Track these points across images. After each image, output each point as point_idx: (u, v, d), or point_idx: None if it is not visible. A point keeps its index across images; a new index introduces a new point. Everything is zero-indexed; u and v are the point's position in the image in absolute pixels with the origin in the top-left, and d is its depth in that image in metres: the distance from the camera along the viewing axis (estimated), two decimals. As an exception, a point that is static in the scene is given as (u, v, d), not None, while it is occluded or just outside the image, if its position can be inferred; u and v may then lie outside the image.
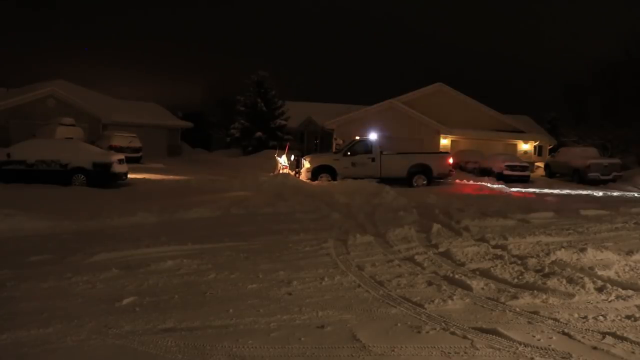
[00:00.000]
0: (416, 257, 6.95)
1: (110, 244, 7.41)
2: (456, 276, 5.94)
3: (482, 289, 5.50)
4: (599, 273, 5.99)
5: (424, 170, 19.25)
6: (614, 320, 4.55)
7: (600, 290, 5.35)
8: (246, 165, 25.85)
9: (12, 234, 8.16)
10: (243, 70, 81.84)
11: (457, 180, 20.50)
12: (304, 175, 19.45)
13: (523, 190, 18.30)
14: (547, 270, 6.14)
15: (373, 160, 19.12)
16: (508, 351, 3.87)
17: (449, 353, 3.84)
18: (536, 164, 28.48)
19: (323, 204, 12.49)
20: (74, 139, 19.95)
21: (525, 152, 29.26)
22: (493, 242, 7.88)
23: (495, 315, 4.71)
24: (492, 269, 6.26)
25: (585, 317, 4.63)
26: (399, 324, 4.43)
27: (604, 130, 31.94)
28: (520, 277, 5.89)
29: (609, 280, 5.77)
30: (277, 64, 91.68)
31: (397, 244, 7.87)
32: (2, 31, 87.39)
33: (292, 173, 20.17)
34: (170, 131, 32.49)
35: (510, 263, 6.55)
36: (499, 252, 7.21)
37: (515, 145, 29.53)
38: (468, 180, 20.99)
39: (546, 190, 18.43)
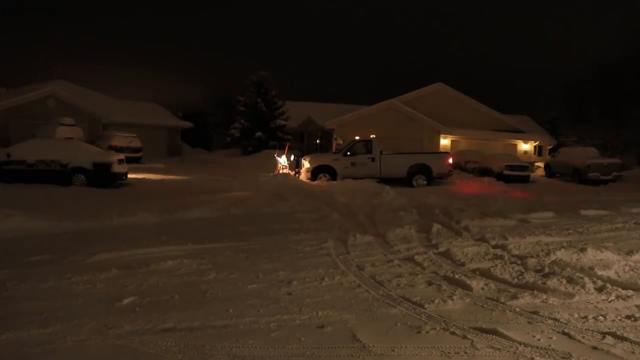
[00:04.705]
0: (416, 257, 6.95)
1: (110, 244, 7.41)
2: (456, 276, 5.94)
3: (482, 289, 5.51)
4: (599, 273, 5.99)
5: (424, 170, 19.27)
6: (614, 320, 4.55)
7: (600, 290, 5.35)
8: (246, 165, 25.84)
9: (12, 234, 8.16)
10: (243, 70, 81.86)
11: (457, 181, 20.49)
12: (303, 175, 19.47)
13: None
14: (547, 270, 6.14)
15: (373, 160, 19.15)
16: (508, 351, 3.87)
17: (449, 353, 3.84)
18: (536, 164, 28.47)
19: (323, 204, 12.49)
20: (73, 139, 19.94)
21: (525, 152, 29.25)
22: (493, 242, 7.88)
23: (495, 315, 4.71)
24: (492, 269, 6.26)
25: (585, 317, 4.63)
26: (399, 324, 4.43)
27: (604, 130, 31.95)
28: (520, 277, 5.89)
29: (609, 280, 5.77)
30: (277, 64, 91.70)
31: (397, 244, 7.87)
32: (2, 31, 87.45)
33: (292, 173, 20.18)
34: (170, 131, 32.47)
35: (510, 263, 6.55)
36: (499, 252, 7.21)
37: (515, 145, 29.53)
38: (469, 181, 20.99)
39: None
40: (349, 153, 19.48)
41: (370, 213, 11.32)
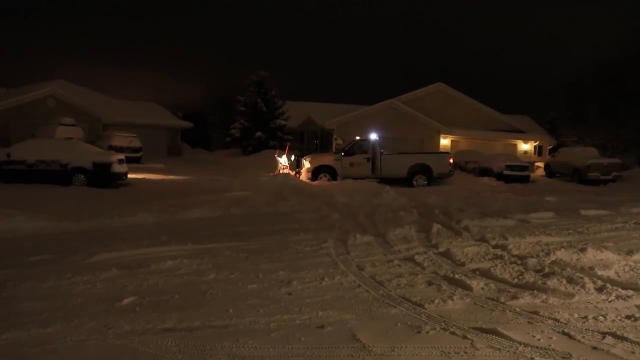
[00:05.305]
0: (416, 257, 6.95)
1: (110, 244, 7.41)
2: (456, 276, 5.94)
3: (482, 289, 5.50)
4: (599, 273, 5.99)
5: (424, 170, 19.29)
6: (614, 320, 4.55)
7: (600, 290, 5.34)
8: (246, 165, 25.85)
9: (12, 234, 8.17)
10: (243, 70, 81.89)
11: (457, 181, 20.49)
12: (304, 175, 19.47)
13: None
14: (547, 270, 6.14)
15: (368, 160, 19.16)
16: (508, 351, 3.87)
17: (449, 353, 3.84)
18: (536, 164, 28.47)
19: (323, 204, 12.49)
20: (73, 139, 19.95)
21: (525, 152, 29.26)
22: (493, 242, 7.87)
23: (495, 315, 4.71)
24: (492, 269, 6.26)
25: (585, 317, 4.63)
26: (399, 324, 4.43)
27: (604, 130, 31.93)
28: (520, 277, 5.89)
29: (609, 280, 5.77)
30: (277, 64, 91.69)
31: (397, 244, 7.87)
32: (2, 31, 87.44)
33: (292, 173, 20.19)
34: (170, 131, 32.47)
35: (510, 263, 6.55)
36: (499, 252, 7.21)
37: (515, 145, 29.53)
38: (469, 181, 20.97)
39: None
40: (348, 153, 19.52)
41: (371, 213, 11.32)
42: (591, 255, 6.77)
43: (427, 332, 4.23)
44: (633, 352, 3.89)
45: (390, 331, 4.26)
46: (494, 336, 4.12)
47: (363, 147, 19.55)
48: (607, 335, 4.16)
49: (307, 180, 18.92)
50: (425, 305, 4.89)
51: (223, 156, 33.85)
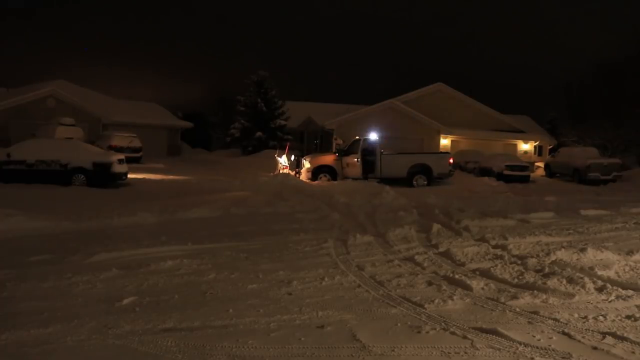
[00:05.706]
0: (416, 257, 6.95)
1: (110, 244, 7.41)
2: (456, 276, 5.94)
3: (482, 289, 5.50)
4: (599, 273, 5.99)
5: (424, 170, 19.29)
6: (614, 320, 4.55)
7: (600, 290, 5.34)
8: (246, 165, 25.86)
9: (12, 234, 8.16)
10: (243, 70, 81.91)
11: (457, 181, 20.50)
12: (304, 175, 19.48)
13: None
14: (547, 270, 6.14)
15: (357, 160, 19.15)
16: (508, 351, 3.87)
17: (449, 353, 3.84)
18: (536, 164, 28.49)
19: (323, 204, 12.49)
20: (73, 139, 19.95)
21: (525, 152, 29.27)
22: (493, 242, 7.87)
23: (495, 315, 4.71)
24: (492, 269, 6.26)
25: (586, 317, 4.63)
26: (399, 324, 4.43)
27: (604, 130, 31.92)
28: (520, 277, 5.88)
29: (609, 280, 5.76)
30: (277, 64, 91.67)
31: (397, 244, 7.87)
32: (2, 31, 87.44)
33: (292, 173, 20.20)
34: (170, 131, 32.48)
35: (510, 263, 6.55)
36: (499, 252, 7.21)
37: (515, 145, 29.54)
38: (469, 181, 20.98)
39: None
40: (347, 153, 19.53)
41: (371, 213, 11.31)
42: (591, 255, 6.77)
43: (427, 332, 4.23)
44: (633, 352, 3.89)
45: (390, 331, 4.26)
46: (494, 336, 4.12)
47: (361, 147, 19.53)
48: (607, 336, 4.16)
49: (307, 180, 18.93)
50: (425, 305, 4.89)
51: (223, 156, 33.85)
